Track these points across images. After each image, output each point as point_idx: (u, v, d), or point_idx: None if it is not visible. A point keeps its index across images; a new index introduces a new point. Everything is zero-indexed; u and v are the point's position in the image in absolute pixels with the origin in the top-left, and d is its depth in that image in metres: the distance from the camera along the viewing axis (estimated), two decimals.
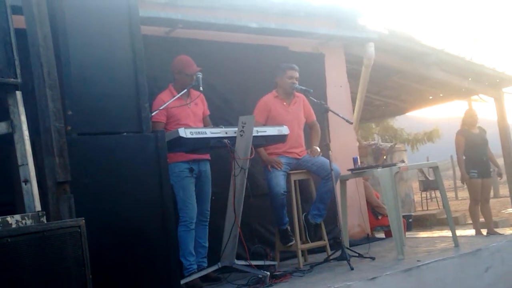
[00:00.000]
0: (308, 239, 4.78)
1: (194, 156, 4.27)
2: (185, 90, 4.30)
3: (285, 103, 4.80)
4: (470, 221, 7.66)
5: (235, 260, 4.12)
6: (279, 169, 4.56)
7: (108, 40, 3.23)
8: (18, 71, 2.66)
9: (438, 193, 12.39)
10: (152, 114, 4.08)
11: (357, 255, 4.55)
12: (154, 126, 4.06)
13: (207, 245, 4.41)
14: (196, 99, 4.44)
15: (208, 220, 4.44)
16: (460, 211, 12.33)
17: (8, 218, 2.46)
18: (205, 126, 4.43)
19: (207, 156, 4.45)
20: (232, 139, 3.97)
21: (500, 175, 7.58)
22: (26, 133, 2.71)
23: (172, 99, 4.21)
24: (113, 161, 3.12)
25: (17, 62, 2.66)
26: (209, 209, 4.44)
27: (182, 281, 3.85)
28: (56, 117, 2.71)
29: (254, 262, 4.18)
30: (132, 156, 3.21)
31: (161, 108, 4.15)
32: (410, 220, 8.47)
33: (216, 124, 4.44)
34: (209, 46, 5.16)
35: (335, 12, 6.36)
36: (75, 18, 3.10)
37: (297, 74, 4.80)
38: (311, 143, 4.91)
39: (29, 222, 2.52)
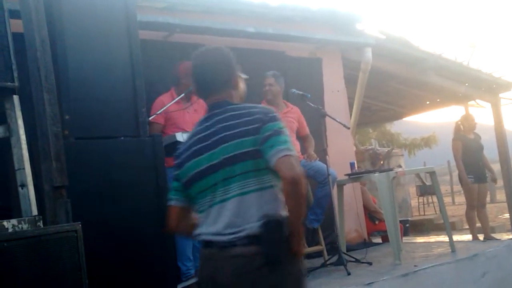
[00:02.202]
0: (305, 244, 4.78)
1: None
2: (183, 94, 4.30)
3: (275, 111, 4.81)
4: (467, 226, 7.67)
5: None
6: None
7: (106, 44, 3.23)
8: (16, 75, 2.66)
9: (435, 198, 12.40)
10: (152, 116, 4.09)
11: (354, 260, 4.55)
12: (152, 127, 4.06)
13: None
14: (197, 106, 4.45)
15: None
16: (457, 216, 12.34)
17: (5, 223, 2.45)
18: None
19: None
20: None
21: (494, 180, 7.59)
22: (23, 137, 2.70)
23: (172, 102, 4.22)
24: (110, 166, 3.11)
25: (14, 66, 2.66)
26: None
27: (179, 286, 3.84)
28: (54, 121, 2.70)
29: None
30: (129, 160, 3.20)
31: (160, 111, 4.14)
32: (407, 225, 8.48)
33: None
34: None
35: (333, 17, 6.37)
36: (73, 22, 3.10)
37: (269, 80, 4.79)
38: (306, 150, 4.91)
39: (25, 226, 2.51)
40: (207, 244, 1.99)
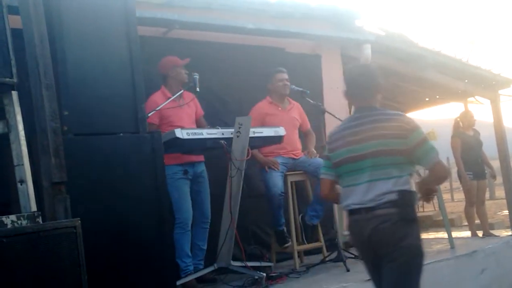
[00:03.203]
0: (305, 241, 4.78)
1: (188, 159, 4.26)
2: (181, 91, 4.30)
3: (280, 108, 4.81)
4: (466, 223, 7.68)
5: (231, 261, 4.12)
6: (276, 169, 4.56)
7: (104, 40, 3.22)
8: (14, 70, 2.66)
9: None
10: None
11: (353, 256, 4.55)
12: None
13: (205, 248, 4.39)
14: (189, 100, 4.45)
15: (209, 222, 4.42)
16: (456, 212, 12.34)
17: (4, 219, 2.45)
18: (200, 127, 4.42)
19: (201, 158, 4.44)
20: (229, 140, 3.97)
21: (494, 177, 7.59)
22: (22, 133, 2.70)
23: (167, 101, 4.20)
24: (109, 162, 3.11)
25: (13, 62, 2.65)
26: (209, 210, 4.42)
27: (178, 282, 3.85)
28: (52, 117, 2.70)
29: (250, 263, 4.18)
30: (128, 157, 3.20)
31: (155, 110, 4.12)
32: None
33: (212, 125, 4.44)
34: (206, 46, 5.16)
35: (332, 14, 6.36)
36: (72, 18, 3.09)
37: (286, 76, 4.81)
38: (306, 146, 4.92)
39: (24, 222, 2.51)
40: (355, 211, 2.67)
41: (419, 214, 13.14)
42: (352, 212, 2.69)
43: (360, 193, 2.64)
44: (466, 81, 8.90)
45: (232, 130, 3.99)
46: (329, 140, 2.90)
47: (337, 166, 2.78)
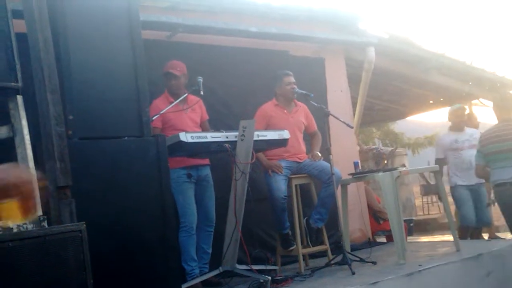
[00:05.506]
0: (310, 244, 4.77)
1: (193, 162, 4.26)
2: (186, 95, 4.30)
3: (285, 111, 4.80)
4: None
5: (236, 265, 4.11)
6: (279, 173, 4.55)
7: (109, 44, 3.23)
8: (19, 75, 2.66)
9: None
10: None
11: (358, 259, 4.54)
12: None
13: (210, 251, 4.39)
14: (196, 106, 4.44)
15: (214, 226, 4.41)
16: None
17: (9, 222, 2.45)
18: (204, 131, 4.42)
19: (206, 161, 4.43)
20: (233, 143, 3.97)
21: None
22: (27, 137, 2.70)
23: (169, 106, 4.20)
24: (114, 166, 3.11)
25: (18, 66, 2.66)
26: (214, 214, 4.41)
27: (183, 286, 3.84)
28: (57, 122, 2.70)
29: (255, 267, 4.17)
30: (133, 160, 3.20)
31: (158, 114, 4.12)
32: (411, 224, 8.45)
33: (216, 129, 4.44)
34: (210, 50, 5.17)
35: (336, 17, 6.37)
36: (76, 22, 3.09)
37: (293, 79, 4.81)
38: (312, 148, 4.91)
39: (30, 226, 2.50)
40: (503, 184, 4.55)
41: (423, 218, 13.10)
42: (501, 185, 4.54)
43: (505, 173, 4.43)
44: (470, 83, 8.90)
45: (236, 133, 3.99)
46: (481, 138, 4.87)
47: (488, 156, 4.62)
